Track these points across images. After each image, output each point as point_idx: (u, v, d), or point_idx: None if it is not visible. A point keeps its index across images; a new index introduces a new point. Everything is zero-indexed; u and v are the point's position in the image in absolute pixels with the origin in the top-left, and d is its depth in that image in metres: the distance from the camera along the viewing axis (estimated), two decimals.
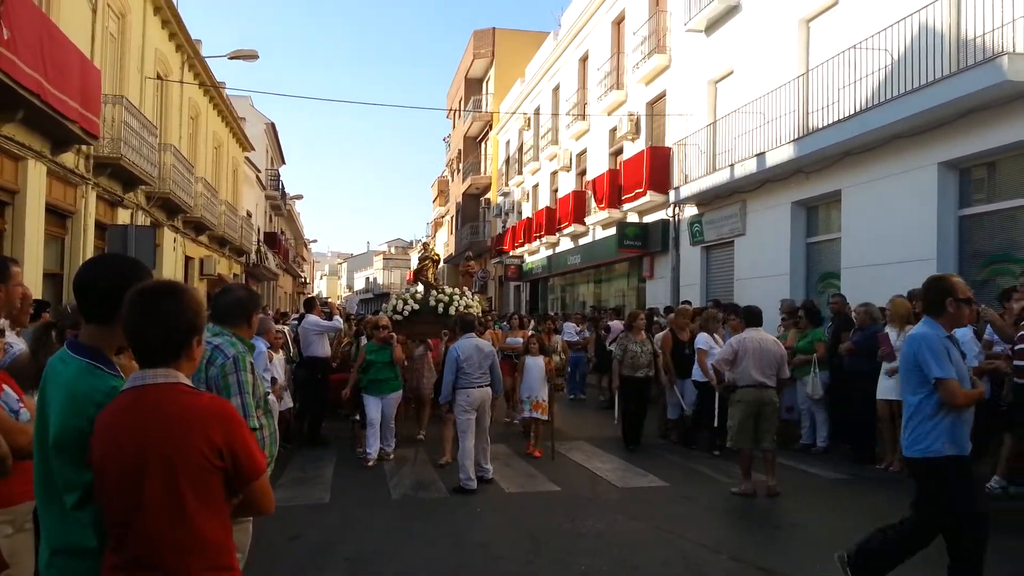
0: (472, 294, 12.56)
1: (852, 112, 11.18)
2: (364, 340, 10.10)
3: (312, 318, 10.68)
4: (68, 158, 12.53)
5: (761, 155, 13.34)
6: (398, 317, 10.67)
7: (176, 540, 2.06)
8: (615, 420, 10.69)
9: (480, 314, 11.49)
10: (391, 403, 9.13)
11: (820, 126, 12.07)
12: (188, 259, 22.05)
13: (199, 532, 2.08)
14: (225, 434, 2.11)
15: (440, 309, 10.95)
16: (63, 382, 2.24)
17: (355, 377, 9.24)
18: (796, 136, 12.60)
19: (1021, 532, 6.09)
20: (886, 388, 8.26)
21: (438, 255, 12.31)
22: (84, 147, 12.89)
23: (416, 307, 11.06)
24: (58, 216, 12.75)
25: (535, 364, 9.69)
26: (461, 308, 10.60)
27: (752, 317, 7.82)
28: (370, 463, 8.75)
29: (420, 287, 11.64)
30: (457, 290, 11.89)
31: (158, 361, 2.15)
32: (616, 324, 15.46)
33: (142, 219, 16.57)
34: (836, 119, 11.55)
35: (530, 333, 12.21)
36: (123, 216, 15.48)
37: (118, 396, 2.18)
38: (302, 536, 6.11)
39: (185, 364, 2.20)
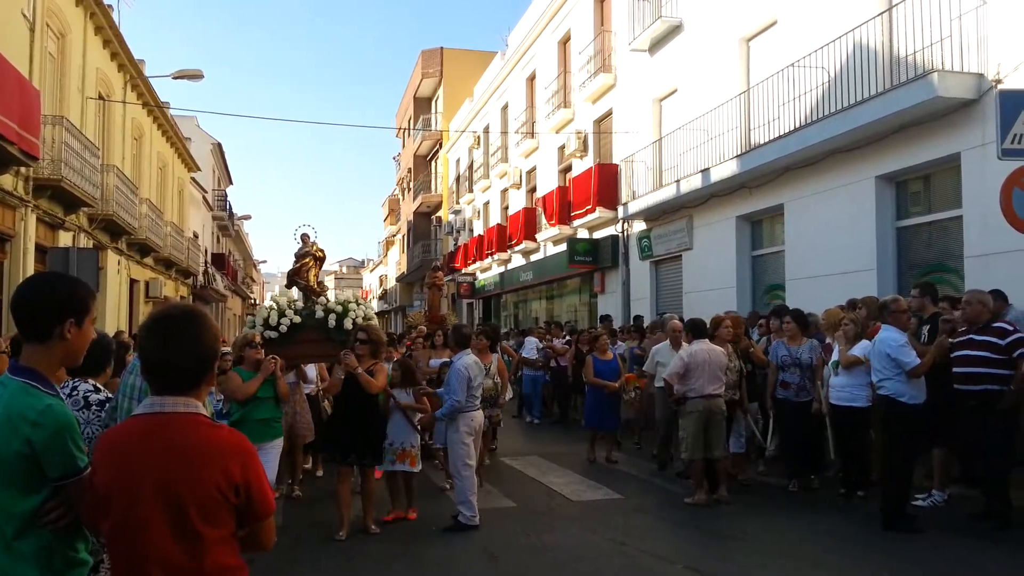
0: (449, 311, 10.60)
1: (792, 128, 11.48)
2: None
3: None
4: (6, 180, 12.20)
5: (706, 171, 13.61)
6: (272, 334, 8.07)
7: (191, 568, 2.02)
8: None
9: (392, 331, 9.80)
10: (272, 454, 6.78)
11: (762, 142, 12.36)
12: (133, 282, 21.59)
13: (213, 560, 2.05)
14: (243, 469, 2.08)
15: (331, 322, 8.26)
16: (1, 405, 2.20)
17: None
18: (739, 152, 12.90)
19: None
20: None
21: (322, 251, 9.29)
22: (23, 169, 12.57)
23: (297, 320, 8.29)
24: None
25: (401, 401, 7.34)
26: (359, 321, 8.13)
27: (697, 329, 7.97)
28: None
29: (296, 293, 9.11)
30: (351, 297, 9.54)
31: (176, 389, 2.10)
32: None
33: (84, 242, 16.18)
34: (777, 135, 11.85)
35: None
36: (65, 239, 15.10)
37: (129, 420, 2.15)
38: (254, 561, 5.98)
39: (204, 391, 2.18)
